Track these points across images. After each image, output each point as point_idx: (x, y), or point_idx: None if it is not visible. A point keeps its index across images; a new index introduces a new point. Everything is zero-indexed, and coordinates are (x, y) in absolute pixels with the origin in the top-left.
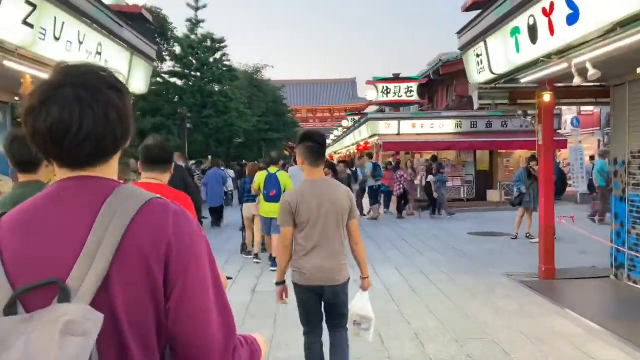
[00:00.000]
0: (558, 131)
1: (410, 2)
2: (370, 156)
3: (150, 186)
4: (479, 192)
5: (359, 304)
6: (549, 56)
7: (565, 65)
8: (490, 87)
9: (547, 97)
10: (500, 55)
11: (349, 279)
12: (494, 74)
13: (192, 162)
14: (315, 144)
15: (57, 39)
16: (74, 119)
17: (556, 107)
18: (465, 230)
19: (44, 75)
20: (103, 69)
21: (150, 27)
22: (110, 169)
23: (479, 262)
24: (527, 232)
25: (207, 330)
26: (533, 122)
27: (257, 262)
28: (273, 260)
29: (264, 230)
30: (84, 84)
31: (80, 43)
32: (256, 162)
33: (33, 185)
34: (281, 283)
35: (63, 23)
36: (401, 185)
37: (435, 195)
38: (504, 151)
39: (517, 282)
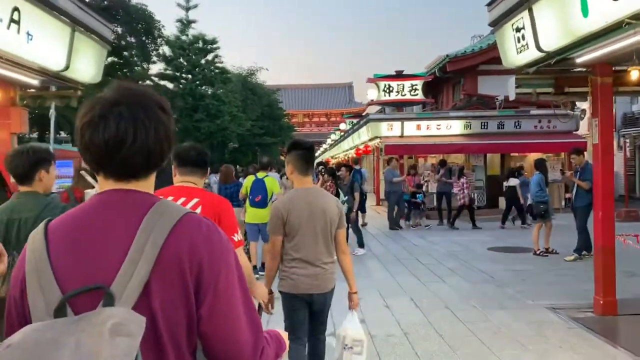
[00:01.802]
0: (575, 132)
1: (408, 6)
2: (355, 162)
3: (189, 189)
4: (489, 199)
5: (350, 325)
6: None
7: None
8: (532, 71)
9: (605, 82)
10: (553, 24)
11: (333, 288)
12: (542, 51)
13: None
14: (305, 152)
15: None
16: (129, 133)
17: (576, 106)
18: (483, 245)
19: None
20: (153, 92)
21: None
22: (148, 184)
23: (512, 289)
24: (545, 246)
25: (239, 334)
26: (582, 116)
27: None
28: (255, 269)
29: (250, 237)
30: (138, 103)
31: None
32: (239, 166)
33: (30, 195)
34: (269, 293)
35: None
36: (466, 193)
37: (521, 200)
38: (516, 154)
39: (569, 319)
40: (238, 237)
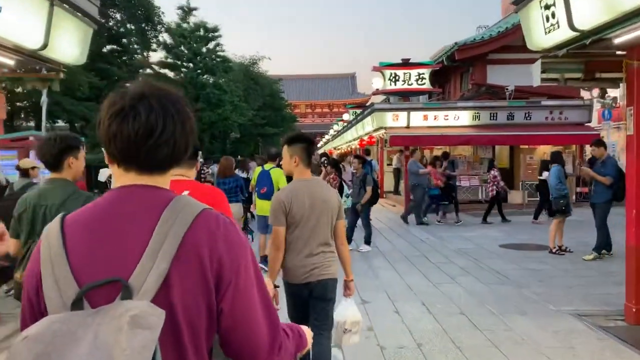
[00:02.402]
0: (588, 124)
1: None
2: (367, 153)
3: (180, 182)
4: (498, 192)
5: (348, 311)
6: None
7: None
8: (562, 54)
9: None
10: None
11: (336, 279)
12: (575, 30)
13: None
14: (309, 145)
15: None
16: (159, 124)
17: (587, 98)
18: (494, 241)
19: None
20: (176, 89)
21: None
22: (166, 180)
23: (531, 292)
24: (560, 244)
25: (257, 330)
26: (614, 104)
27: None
28: (263, 261)
29: (260, 230)
30: (165, 97)
31: None
32: (240, 156)
33: (59, 182)
34: (274, 287)
35: None
36: (494, 186)
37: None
38: (526, 146)
39: (598, 328)
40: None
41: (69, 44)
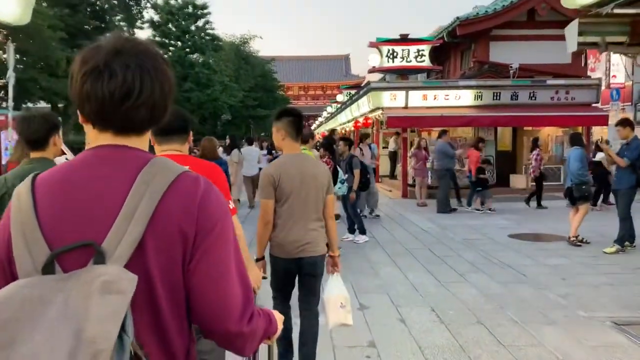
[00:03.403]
0: (595, 105)
1: None
2: (366, 136)
3: (176, 157)
4: (500, 176)
5: (338, 286)
6: None
7: None
8: (605, 12)
9: None
10: None
11: (325, 254)
12: None
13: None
14: (297, 119)
15: None
16: (136, 84)
17: (594, 77)
18: (502, 231)
19: None
20: (152, 42)
21: None
22: (143, 143)
23: (555, 294)
24: (574, 234)
25: (226, 293)
26: None
27: None
28: None
29: None
30: (142, 52)
31: None
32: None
33: (42, 161)
34: (261, 259)
35: None
36: (539, 166)
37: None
38: (529, 128)
39: None
40: (231, 204)
41: (7, 1)
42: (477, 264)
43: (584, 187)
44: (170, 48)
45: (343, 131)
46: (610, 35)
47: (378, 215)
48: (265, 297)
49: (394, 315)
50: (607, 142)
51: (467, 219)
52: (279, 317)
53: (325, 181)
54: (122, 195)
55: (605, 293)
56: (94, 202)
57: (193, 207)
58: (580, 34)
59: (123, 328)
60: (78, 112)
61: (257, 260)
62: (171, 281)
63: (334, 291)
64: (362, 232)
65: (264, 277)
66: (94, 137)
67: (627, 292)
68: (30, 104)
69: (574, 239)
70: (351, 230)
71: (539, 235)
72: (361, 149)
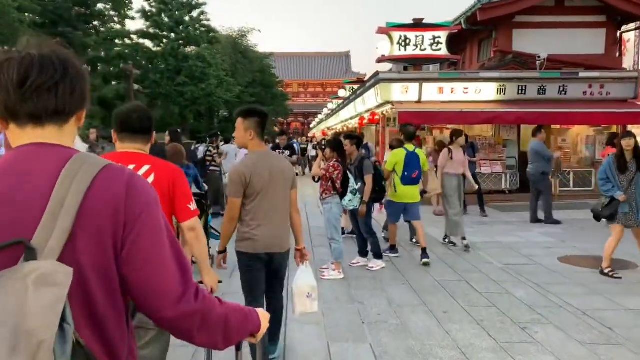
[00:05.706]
0: (632, 100)
1: None
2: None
3: (139, 156)
4: (523, 182)
5: (307, 277)
6: None
7: None
8: None
9: None
10: None
11: (289, 249)
12: None
13: (197, 143)
14: (264, 119)
15: None
16: (35, 65)
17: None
18: (548, 252)
19: None
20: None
21: None
22: (66, 138)
23: None
24: (607, 265)
25: (161, 279)
26: None
27: None
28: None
29: (393, 219)
30: (45, 45)
31: None
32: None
33: None
34: (223, 251)
35: None
36: None
37: None
38: (557, 127)
39: None
40: (193, 206)
41: None
42: (537, 307)
43: (609, 203)
44: (164, 40)
45: (345, 128)
46: None
47: (467, 246)
48: None
49: None
50: None
51: (496, 234)
52: (263, 316)
53: (290, 176)
54: (48, 191)
55: None
56: (20, 200)
57: (119, 197)
58: None
59: (63, 318)
60: None
61: (220, 252)
62: (104, 271)
63: (302, 281)
64: (378, 256)
65: (220, 282)
66: (17, 139)
67: None
68: None
69: (609, 269)
70: (363, 253)
71: (596, 258)
72: (450, 151)
